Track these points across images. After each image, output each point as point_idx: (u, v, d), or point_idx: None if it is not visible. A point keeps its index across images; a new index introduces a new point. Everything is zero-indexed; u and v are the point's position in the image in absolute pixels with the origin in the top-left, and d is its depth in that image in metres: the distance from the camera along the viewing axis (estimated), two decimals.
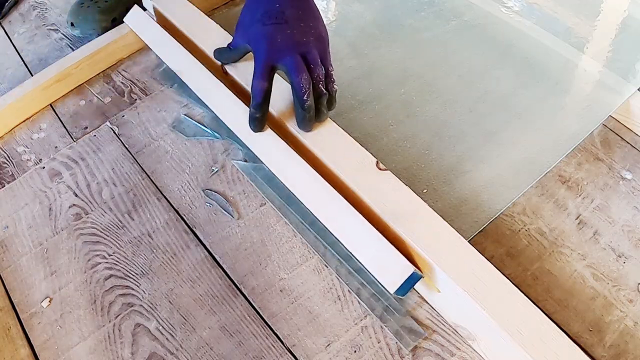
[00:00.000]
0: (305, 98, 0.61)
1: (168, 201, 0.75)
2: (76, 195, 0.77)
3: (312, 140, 0.66)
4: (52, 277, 0.69)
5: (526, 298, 0.54)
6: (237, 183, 0.75)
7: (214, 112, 0.77)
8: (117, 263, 0.70)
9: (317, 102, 0.64)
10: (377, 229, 0.64)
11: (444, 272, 0.55)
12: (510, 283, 0.55)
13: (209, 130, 0.81)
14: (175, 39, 0.83)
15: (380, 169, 0.63)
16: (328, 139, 0.67)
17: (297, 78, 0.60)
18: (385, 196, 0.61)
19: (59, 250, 0.71)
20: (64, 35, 1.01)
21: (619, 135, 0.78)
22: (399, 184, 0.62)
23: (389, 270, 0.58)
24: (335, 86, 0.64)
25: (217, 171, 0.77)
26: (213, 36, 0.80)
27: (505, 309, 0.53)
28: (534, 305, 0.53)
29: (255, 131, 0.67)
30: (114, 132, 0.83)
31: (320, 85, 0.62)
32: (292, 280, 0.66)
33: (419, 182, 0.73)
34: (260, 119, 0.65)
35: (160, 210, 0.74)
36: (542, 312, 0.53)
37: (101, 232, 0.73)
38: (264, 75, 0.62)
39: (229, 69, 0.75)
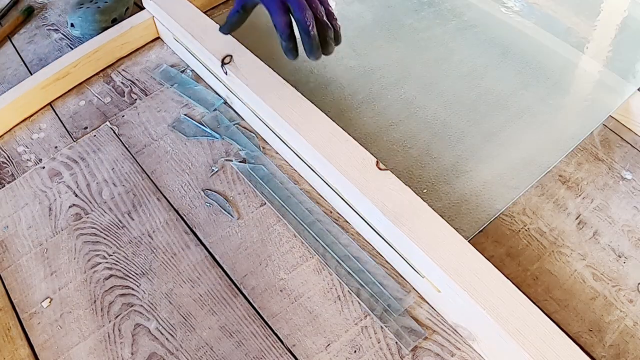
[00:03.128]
0: (310, 29, 0.65)
1: (168, 201, 0.75)
2: (76, 195, 0.77)
3: (312, 139, 0.67)
4: (52, 277, 0.69)
5: (526, 298, 0.54)
6: (236, 183, 0.75)
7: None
8: (117, 263, 0.70)
9: (322, 35, 0.67)
10: (377, 228, 0.64)
11: (444, 272, 0.55)
12: (510, 283, 0.55)
13: (208, 130, 0.81)
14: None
15: (380, 169, 0.63)
16: (328, 138, 0.67)
17: (302, 14, 0.64)
18: (385, 196, 0.61)
19: (59, 250, 0.71)
20: (64, 35, 1.01)
21: (619, 135, 0.78)
22: (399, 183, 0.62)
23: None
24: (338, 22, 0.69)
25: (217, 171, 0.77)
26: (214, 36, 0.80)
27: (505, 309, 0.53)
28: (534, 305, 0.53)
29: (293, 59, 0.70)
30: (114, 132, 0.83)
31: (324, 19, 0.66)
32: (292, 280, 0.66)
33: (419, 182, 0.73)
34: (294, 48, 0.69)
35: (160, 210, 0.74)
36: (542, 312, 0.53)
37: (101, 232, 0.73)
38: (282, 11, 0.66)
39: (229, 69, 0.75)
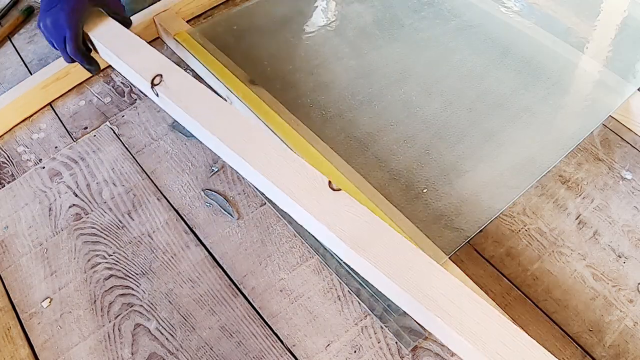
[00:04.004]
0: None
1: (168, 201, 0.75)
2: (76, 195, 0.77)
3: (256, 162, 0.61)
4: (52, 277, 0.69)
5: (505, 318, 0.51)
6: (237, 183, 0.75)
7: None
8: (117, 263, 0.70)
9: None
10: (337, 255, 0.59)
11: (414, 298, 0.51)
12: (486, 303, 0.52)
13: None
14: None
15: (333, 189, 0.58)
16: (274, 159, 0.60)
17: None
18: (342, 219, 0.55)
19: (59, 250, 0.71)
20: None
21: (619, 135, 0.78)
22: (356, 204, 0.57)
23: None
24: None
25: (217, 171, 0.77)
26: (142, 54, 0.73)
27: (483, 332, 0.50)
28: (514, 325, 0.51)
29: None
30: (114, 132, 0.83)
31: None
32: (292, 280, 0.66)
33: (419, 182, 0.73)
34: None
35: (160, 210, 0.74)
36: (522, 331, 0.50)
37: (101, 232, 0.73)
38: None
39: (160, 90, 0.68)
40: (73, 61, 0.79)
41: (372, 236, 0.55)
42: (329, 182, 0.58)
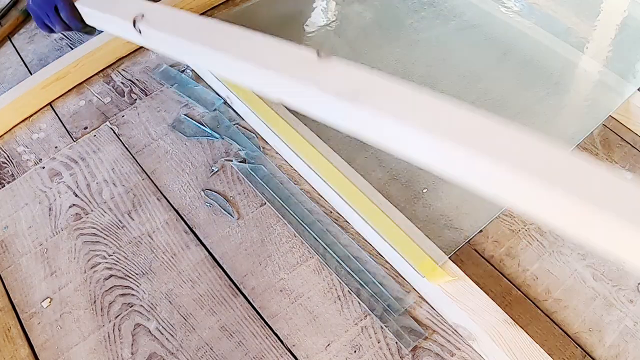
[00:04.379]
0: None
1: (168, 201, 0.75)
2: (76, 195, 0.77)
3: (243, 56, 0.56)
4: (52, 277, 0.69)
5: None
6: (237, 183, 0.75)
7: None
8: (117, 263, 0.70)
9: None
10: (335, 122, 0.53)
11: (429, 134, 0.44)
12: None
13: (208, 130, 0.81)
14: None
15: (322, 57, 0.53)
16: (259, 49, 0.57)
17: None
18: (338, 79, 0.50)
19: (59, 250, 0.71)
20: (63, 35, 1.01)
21: (619, 135, 0.78)
22: (350, 65, 0.51)
23: None
24: None
25: (217, 171, 0.77)
26: (134, 5, 0.68)
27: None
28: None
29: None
30: (114, 132, 0.83)
31: None
32: (292, 280, 0.66)
33: (419, 182, 0.73)
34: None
35: (160, 210, 0.74)
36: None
37: (101, 232, 0.73)
38: None
39: (142, 27, 0.65)
40: (68, 29, 0.78)
41: (369, 88, 0.49)
42: (317, 51, 0.53)
